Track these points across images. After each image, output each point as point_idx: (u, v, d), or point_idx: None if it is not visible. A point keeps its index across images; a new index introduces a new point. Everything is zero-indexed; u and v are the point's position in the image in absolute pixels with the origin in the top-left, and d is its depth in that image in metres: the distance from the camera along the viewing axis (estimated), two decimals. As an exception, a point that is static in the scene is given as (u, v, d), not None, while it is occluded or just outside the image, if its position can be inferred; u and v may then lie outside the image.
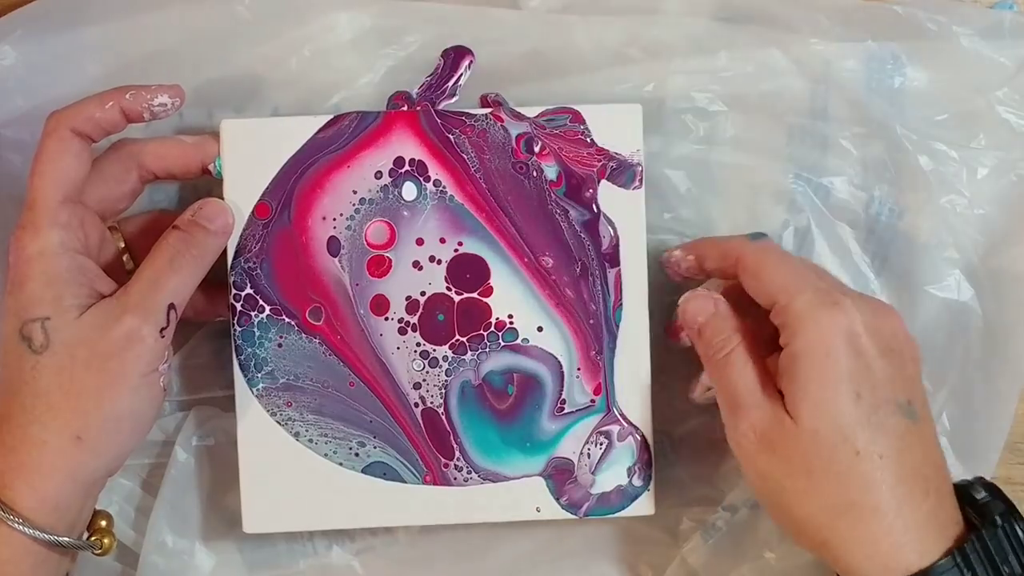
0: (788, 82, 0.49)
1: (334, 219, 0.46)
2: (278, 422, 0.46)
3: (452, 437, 0.46)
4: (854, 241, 0.50)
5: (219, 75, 0.48)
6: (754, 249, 0.44)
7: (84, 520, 0.43)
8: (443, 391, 0.46)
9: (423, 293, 0.46)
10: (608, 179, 0.46)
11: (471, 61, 0.46)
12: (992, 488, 0.42)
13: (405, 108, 0.46)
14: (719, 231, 0.49)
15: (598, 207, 0.46)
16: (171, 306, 0.42)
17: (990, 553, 0.39)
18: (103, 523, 0.45)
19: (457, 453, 0.46)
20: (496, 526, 0.50)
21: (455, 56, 0.47)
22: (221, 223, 0.44)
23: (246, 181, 0.45)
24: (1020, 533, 0.40)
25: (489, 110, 0.46)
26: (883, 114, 0.48)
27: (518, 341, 0.46)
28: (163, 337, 0.41)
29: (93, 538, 0.44)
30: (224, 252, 0.45)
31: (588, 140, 0.46)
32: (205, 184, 0.48)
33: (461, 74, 0.47)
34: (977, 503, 0.41)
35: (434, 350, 0.46)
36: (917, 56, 0.49)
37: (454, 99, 0.47)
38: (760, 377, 0.42)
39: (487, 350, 0.46)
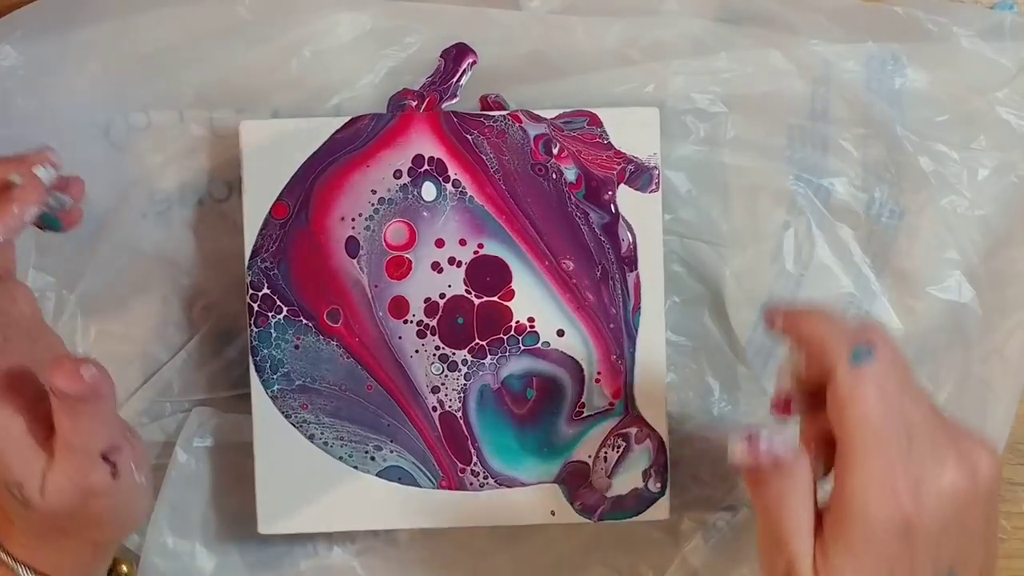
0: (788, 83, 0.49)
1: (353, 219, 0.46)
2: (293, 424, 0.46)
3: (470, 442, 0.46)
4: (854, 242, 0.50)
5: (219, 75, 0.48)
6: (854, 379, 0.34)
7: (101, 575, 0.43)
8: (462, 395, 0.46)
9: (442, 295, 0.46)
10: (626, 183, 0.46)
11: (473, 61, 0.46)
12: None
13: (414, 104, 0.46)
14: (720, 232, 0.49)
15: (617, 210, 0.46)
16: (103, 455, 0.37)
17: None
18: (123, 569, 0.45)
19: (475, 458, 0.46)
20: (498, 528, 0.50)
21: (456, 55, 0.46)
22: None
23: (264, 181, 0.45)
24: None
25: (507, 111, 0.46)
26: (883, 115, 0.48)
27: (539, 345, 0.46)
28: (117, 475, 0.38)
29: None
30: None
31: (606, 143, 0.46)
32: (204, 182, 0.48)
33: (463, 72, 0.46)
34: None
35: (453, 353, 0.46)
36: (917, 57, 0.49)
37: (455, 100, 0.47)
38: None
39: (507, 354, 0.46)
